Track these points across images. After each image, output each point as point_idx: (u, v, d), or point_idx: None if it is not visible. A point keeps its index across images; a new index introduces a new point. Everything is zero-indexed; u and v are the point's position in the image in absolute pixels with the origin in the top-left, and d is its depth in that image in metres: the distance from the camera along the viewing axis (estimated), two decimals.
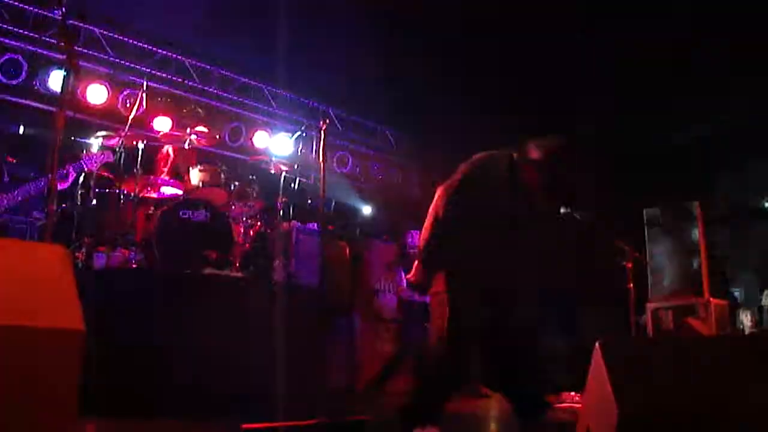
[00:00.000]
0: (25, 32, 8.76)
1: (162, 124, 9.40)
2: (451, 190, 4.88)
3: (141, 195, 7.68)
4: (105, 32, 9.52)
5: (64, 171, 6.94)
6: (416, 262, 5.11)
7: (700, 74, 9.59)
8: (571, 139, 4.76)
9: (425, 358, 4.98)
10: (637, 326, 9.18)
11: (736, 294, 10.05)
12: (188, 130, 8.35)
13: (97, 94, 9.12)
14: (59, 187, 6.96)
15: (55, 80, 8.73)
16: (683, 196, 10.22)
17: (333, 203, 11.59)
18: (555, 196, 5.01)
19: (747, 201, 10.35)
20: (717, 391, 3.16)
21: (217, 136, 9.78)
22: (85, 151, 7.45)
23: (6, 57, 8.75)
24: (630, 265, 8.75)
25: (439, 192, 4.96)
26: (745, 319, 8.87)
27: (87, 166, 7.15)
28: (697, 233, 9.30)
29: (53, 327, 2.65)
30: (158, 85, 9.76)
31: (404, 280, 8.81)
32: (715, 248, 9.89)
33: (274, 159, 9.38)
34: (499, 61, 10.43)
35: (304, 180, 9.71)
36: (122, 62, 9.61)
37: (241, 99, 10.88)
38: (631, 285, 8.75)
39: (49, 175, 4.48)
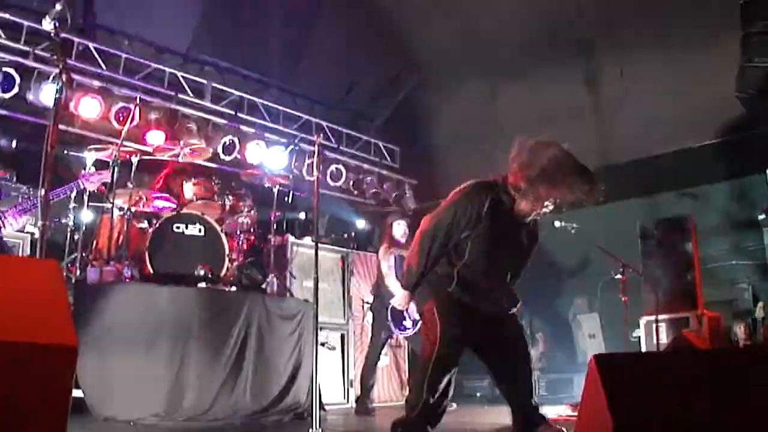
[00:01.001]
0: (18, 45, 8.73)
1: (155, 137, 9.38)
2: (437, 221, 4.98)
3: (134, 209, 7.65)
4: (98, 46, 9.51)
5: (61, 193, 6.88)
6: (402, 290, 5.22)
7: None
8: (559, 158, 4.75)
9: (420, 372, 5.00)
10: (632, 339, 9.19)
11: (731, 306, 10.06)
12: (181, 144, 8.34)
13: (90, 107, 9.07)
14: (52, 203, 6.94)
15: (48, 94, 8.69)
16: (677, 208, 10.26)
17: (327, 217, 11.59)
18: (541, 216, 5.08)
19: (741, 213, 10.36)
20: (712, 405, 3.15)
21: (211, 150, 9.78)
22: (83, 169, 7.43)
23: None
24: (624, 278, 8.77)
25: (424, 222, 5.05)
26: (739, 332, 8.86)
27: (84, 185, 7.13)
28: (690, 246, 9.33)
29: (45, 343, 2.64)
30: (151, 99, 9.74)
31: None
32: (709, 261, 9.92)
33: (267, 172, 9.38)
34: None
35: (298, 194, 9.69)
36: (115, 76, 9.58)
37: (234, 112, 10.87)
38: (625, 298, 8.76)
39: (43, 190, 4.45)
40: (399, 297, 5.29)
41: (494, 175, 5.05)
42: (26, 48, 8.78)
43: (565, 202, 4.81)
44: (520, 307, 5.18)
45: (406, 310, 7.60)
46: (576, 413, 5.05)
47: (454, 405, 8.52)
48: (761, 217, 9.10)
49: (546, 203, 4.81)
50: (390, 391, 10.26)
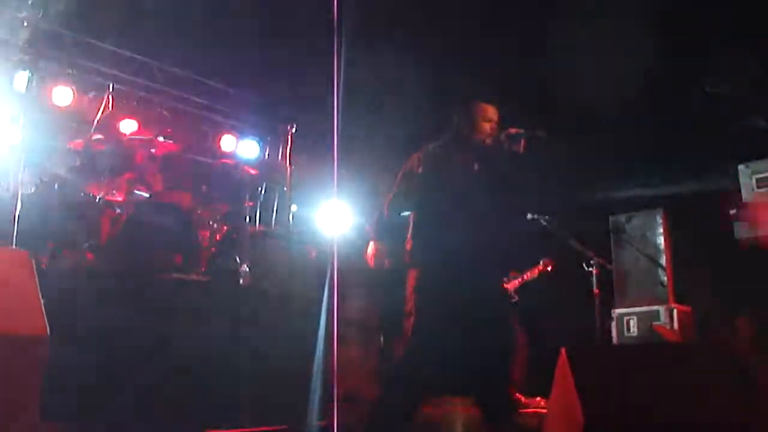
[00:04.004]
0: None
1: (128, 126, 9.31)
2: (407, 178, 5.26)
3: (106, 198, 7.61)
4: (70, 33, 9.41)
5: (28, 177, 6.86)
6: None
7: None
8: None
9: (392, 360, 5.01)
10: (602, 332, 9.24)
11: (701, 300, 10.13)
12: (154, 133, 8.30)
13: (62, 95, 9.00)
14: (23, 192, 6.92)
15: (20, 81, 8.62)
16: (649, 203, 10.31)
17: (299, 207, 11.54)
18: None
19: (711, 208, 10.43)
20: (682, 398, 3.18)
21: (184, 140, 9.73)
22: (50, 155, 7.37)
23: None
24: (596, 271, 8.81)
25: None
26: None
27: (53, 169, 7.08)
28: (662, 240, 9.38)
29: (16, 333, 2.62)
30: (124, 88, 9.67)
31: None
32: (680, 255, 9.98)
33: (240, 162, 9.35)
34: (464, 65, 10.46)
35: (271, 184, 9.67)
36: (88, 63, 9.50)
37: (208, 102, 10.81)
38: (597, 291, 8.81)
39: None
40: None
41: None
42: None
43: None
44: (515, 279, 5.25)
45: None
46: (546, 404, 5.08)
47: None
48: (732, 211, 9.16)
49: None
50: (364, 379, 10.25)
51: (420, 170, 5.11)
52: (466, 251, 4.95)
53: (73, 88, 9.04)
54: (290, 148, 6.46)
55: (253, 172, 9.05)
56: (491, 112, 5.23)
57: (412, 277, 5.06)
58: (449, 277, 4.91)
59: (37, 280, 3.00)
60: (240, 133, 10.76)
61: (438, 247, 4.95)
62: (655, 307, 8.98)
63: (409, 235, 5.14)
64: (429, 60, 10.50)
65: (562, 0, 9.20)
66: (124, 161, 8.62)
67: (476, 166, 5.12)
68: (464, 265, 4.95)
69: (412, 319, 4.94)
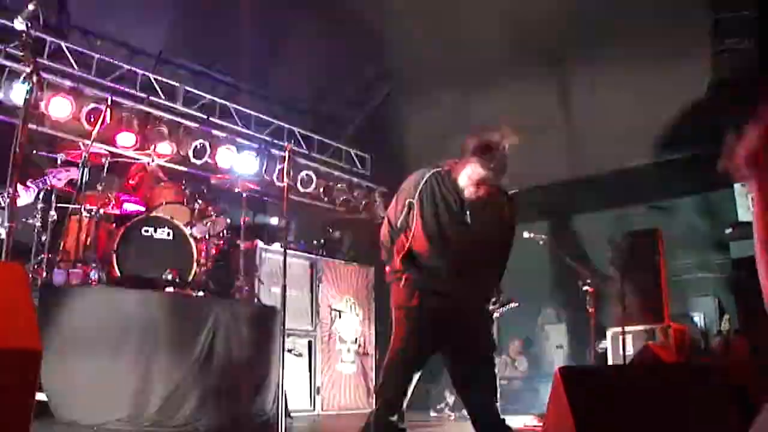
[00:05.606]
0: None
1: (126, 139, 9.31)
2: (389, 212, 5.16)
3: (103, 211, 7.61)
4: (70, 45, 9.42)
5: (26, 188, 6.87)
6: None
7: None
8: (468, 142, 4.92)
9: (384, 375, 4.96)
10: (598, 350, 9.24)
11: (696, 319, 10.16)
12: (152, 147, 8.31)
13: (60, 107, 8.98)
14: (21, 203, 6.91)
15: (18, 93, 8.61)
16: (645, 221, 10.34)
17: (296, 223, 11.54)
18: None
19: (708, 227, 10.48)
20: (678, 419, 3.17)
21: (181, 154, 9.73)
22: (49, 167, 7.36)
23: None
24: (591, 289, 8.81)
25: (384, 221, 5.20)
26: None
27: (51, 182, 7.07)
28: (657, 259, 9.39)
29: (8, 347, 2.61)
30: (123, 100, 9.66)
31: None
32: (676, 274, 10.00)
33: (238, 177, 9.34)
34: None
35: (268, 199, 9.67)
36: (87, 76, 9.50)
37: (206, 116, 10.80)
38: (592, 309, 8.81)
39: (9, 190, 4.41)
40: None
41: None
42: None
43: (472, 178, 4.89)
44: (503, 301, 5.18)
45: None
46: (542, 424, 5.06)
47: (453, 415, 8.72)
48: (728, 230, 9.18)
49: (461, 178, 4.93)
50: (356, 398, 10.26)
51: (413, 193, 5.08)
52: (450, 277, 4.94)
53: (72, 100, 9.04)
54: (287, 164, 6.45)
55: (250, 186, 9.06)
56: (495, 136, 5.12)
57: (395, 293, 5.05)
58: (431, 293, 4.91)
59: (31, 293, 2.98)
60: (238, 148, 10.75)
61: (421, 270, 4.94)
62: (650, 326, 9.00)
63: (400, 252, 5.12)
64: None
65: None
66: (121, 174, 8.62)
67: (457, 203, 5.03)
68: (448, 287, 4.93)
69: (396, 328, 4.94)
